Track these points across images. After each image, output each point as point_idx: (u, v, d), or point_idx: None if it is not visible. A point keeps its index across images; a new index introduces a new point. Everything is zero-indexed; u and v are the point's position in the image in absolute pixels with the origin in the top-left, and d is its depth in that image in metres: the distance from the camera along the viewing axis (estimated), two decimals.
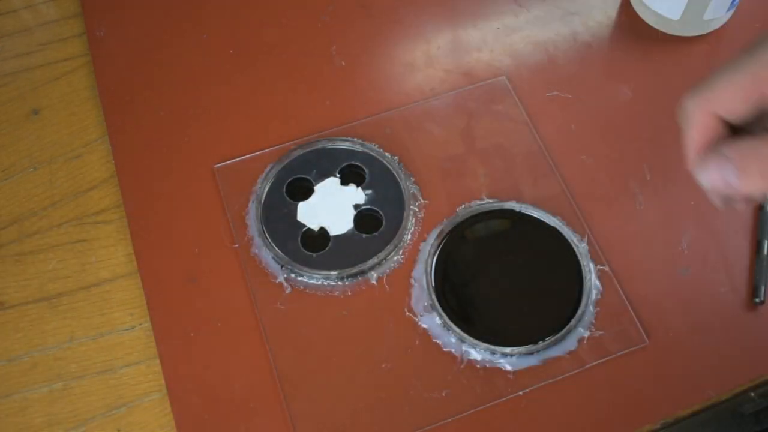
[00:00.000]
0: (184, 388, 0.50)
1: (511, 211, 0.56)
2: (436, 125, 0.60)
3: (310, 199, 0.56)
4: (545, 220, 0.55)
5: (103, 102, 0.62)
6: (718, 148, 0.33)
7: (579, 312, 0.52)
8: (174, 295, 0.54)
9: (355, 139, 0.59)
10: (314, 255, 0.54)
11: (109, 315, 0.54)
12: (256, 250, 0.55)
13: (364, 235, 0.55)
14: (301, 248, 0.55)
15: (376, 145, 0.59)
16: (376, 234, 0.55)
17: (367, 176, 0.57)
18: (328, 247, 0.55)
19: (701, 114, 0.34)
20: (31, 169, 0.60)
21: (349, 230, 0.55)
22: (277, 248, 0.54)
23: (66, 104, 0.63)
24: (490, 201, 0.57)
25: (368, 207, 0.56)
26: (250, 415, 0.50)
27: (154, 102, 0.62)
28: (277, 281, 0.54)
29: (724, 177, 0.32)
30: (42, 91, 0.64)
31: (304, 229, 0.55)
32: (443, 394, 0.50)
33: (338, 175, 0.57)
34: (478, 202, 0.57)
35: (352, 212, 0.56)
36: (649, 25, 0.65)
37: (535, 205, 0.56)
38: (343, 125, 0.60)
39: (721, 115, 0.33)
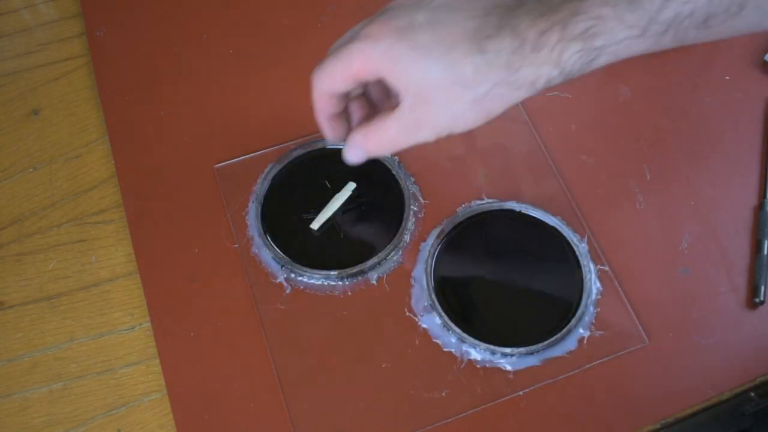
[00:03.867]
0: (184, 388, 0.50)
1: (511, 211, 0.56)
2: None
3: (310, 199, 0.56)
4: (545, 220, 0.55)
5: (103, 102, 0.62)
6: (350, 135, 0.46)
7: (579, 312, 0.52)
8: (174, 295, 0.54)
9: None
10: (314, 255, 0.54)
11: (109, 315, 0.54)
12: (256, 250, 0.55)
13: (364, 235, 0.55)
14: (301, 248, 0.55)
15: None
16: (376, 234, 0.55)
17: (367, 176, 0.57)
18: (328, 247, 0.55)
19: (317, 93, 0.44)
20: (31, 169, 0.60)
21: (349, 230, 0.55)
22: (277, 248, 0.54)
23: (66, 104, 0.63)
24: (490, 201, 0.57)
25: (368, 207, 0.56)
26: (250, 415, 0.50)
27: (154, 102, 0.62)
28: (277, 281, 0.54)
29: (360, 156, 0.46)
30: (42, 91, 0.64)
31: (304, 229, 0.55)
32: (443, 394, 0.50)
33: (338, 175, 0.57)
34: (478, 202, 0.57)
35: (352, 212, 0.56)
36: None
37: (535, 205, 0.56)
38: None
39: (332, 93, 0.44)
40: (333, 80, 0.43)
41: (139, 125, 0.61)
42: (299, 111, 0.61)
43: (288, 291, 0.54)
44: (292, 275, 0.54)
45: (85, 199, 0.59)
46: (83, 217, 0.58)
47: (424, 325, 0.52)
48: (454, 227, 0.55)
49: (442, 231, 0.55)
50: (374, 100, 0.47)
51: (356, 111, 0.47)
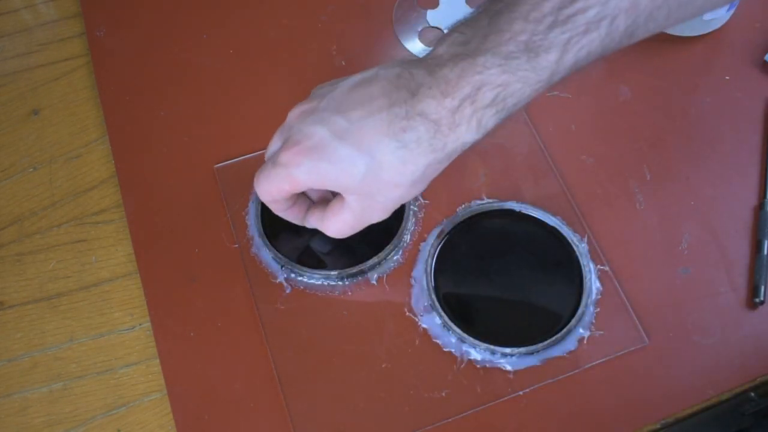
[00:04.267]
0: (184, 388, 0.50)
1: (511, 211, 0.56)
2: None
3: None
4: (545, 220, 0.55)
5: (103, 102, 0.62)
6: (308, 215, 0.49)
7: (579, 312, 0.52)
8: (174, 295, 0.54)
9: None
10: (314, 255, 0.54)
11: (109, 315, 0.54)
12: (256, 250, 0.55)
13: (363, 236, 0.55)
14: (301, 248, 0.55)
15: None
16: (376, 234, 0.55)
17: None
18: (328, 247, 0.55)
19: (263, 200, 0.48)
20: (31, 169, 0.60)
21: None
22: (277, 248, 0.54)
23: (66, 104, 0.63)
24: (490, 201, 0.57)
25: None
26: (250, 415, 0.50)
27: (154, 102, 0.62)
28: (277, 281, 0.54)
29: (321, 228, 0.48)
30: (42, 91, 0.64)
31: (304, 229, 0.55)
32: (443, 394, 0.50)
33: None
34: (478, 202, 0.57)
35: None
36: None
37: (535, 205, 0.56)
38: None
39: (276, 200, 0.47)
40: (271, 194, 0.46)
41: (139, 125, 0.61)
42: None
43: (288, 291, 0.54)
44: (292, 275, 0.54)
45: (85, 199, 0.59)
46: (83, 217, 0.58)
47: (424, 325, 0.52)
48: (454, 227, 0.55)
49: (442, 231, 0.55)
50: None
51: (312, 192, 0.50)
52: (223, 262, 0.55)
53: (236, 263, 0.55)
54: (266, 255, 0.54)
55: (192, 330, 0.52)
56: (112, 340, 0.53)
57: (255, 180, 0.47)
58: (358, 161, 0.42)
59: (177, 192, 0.58)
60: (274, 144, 0.47)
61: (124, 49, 0.65)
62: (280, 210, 0.49)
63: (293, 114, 0.47)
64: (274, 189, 0.46)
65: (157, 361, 0.52)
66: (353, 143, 0.42)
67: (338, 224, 0.47)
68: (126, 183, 0.58)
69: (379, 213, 0.46)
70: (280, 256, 0.54)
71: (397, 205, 0.46)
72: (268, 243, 0.54)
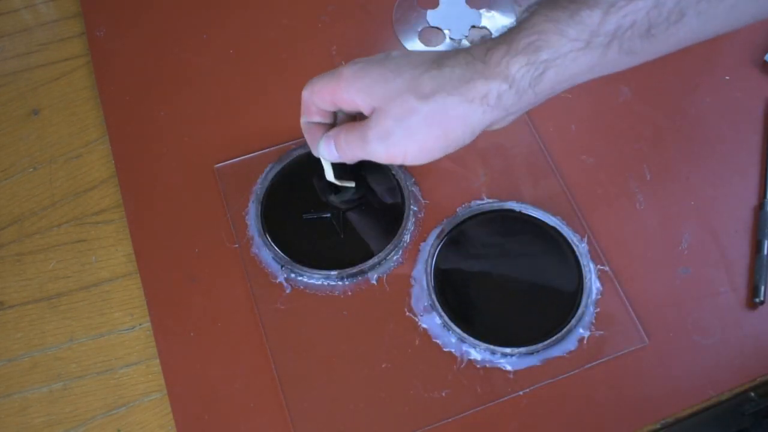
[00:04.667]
0: (184, 388, 0.51)
1: (511, 211, 0.56)
2: None
3: (310, 199, 0.56)
4: (545, 220, 0.55)
5: (103, 102, 0.62)
6: (328, 132, 0.49)
7: (579, 312, 0.52)
8: (174, 295, 0.54)
9: None
10: (314, 255, 0.54)
11: (109, 315, 0.54)
12: (256, 250, 0.55)
13: (364, 235, 0.55)
14: (301, 248, 0.55)
15: None
16: (376, 234, 0.55)
17: (367, 176, 0.57)
18: (328, 247, 0.55)
19: (304, 98, 0.49)
20: (31, 169, 0.60)
21: (348, 229, 0.55)
22: (277, 248, 0.54)
23: (66, 104, 0.63)
24: (490, 201, 0.57)
25: (368, 206, 0.56)
26: (250, 415, 0.50)
27: (154, 102, 0.62)
28: (277, 281, 0.54)
29: (330, 150, 0.49)
30: (42, 91, 0.64)
31: (304, 229, 0.55)
32: (443, 394, 0.50)
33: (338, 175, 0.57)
34: (478, 202, 0.57)
35: (352, 212, 0.56)
36: None
37: (535, 205, 0.56)
38: None
39: (318, 106, 0.49)
40: (313, 90, 0.48)
41: (139, 125, 0.61)
42: (299, 111, 0.61)
43: (288, 291, 0.54)
44: (292, 275, 0.54)
45: (85, 199, 0.59)
46: (83, 217, 0.58)
47: (424, 325, 0.52)
48: (454, 227, 0.55)
49: (442, 231, 0.55)
50: None
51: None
52: (223, 262, 0.55)
53: (236, 263, 0.55)
54: (266, 255, 0.54)
55: (192, 330, 0.52)
56: (112, 340, 0.53)
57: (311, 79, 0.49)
58: (401, 69, 0.45)
59: (177, 192, 0.58)
60: None
61: (124, 49, 0.65)
62: (307, 115, 0.50)
63: None
64: (317, 83, 0.48)
65: (157, 361, 0.52)
66: (407, 62, 0.45)
67: (347, 139, 0.47)
68: (126, 183, 0.58)
69: (382, 144, 0.45)
70: (280, 256, 0.54)
71: (401, 143, 0.45)
72: (268, 243, 0.54)
